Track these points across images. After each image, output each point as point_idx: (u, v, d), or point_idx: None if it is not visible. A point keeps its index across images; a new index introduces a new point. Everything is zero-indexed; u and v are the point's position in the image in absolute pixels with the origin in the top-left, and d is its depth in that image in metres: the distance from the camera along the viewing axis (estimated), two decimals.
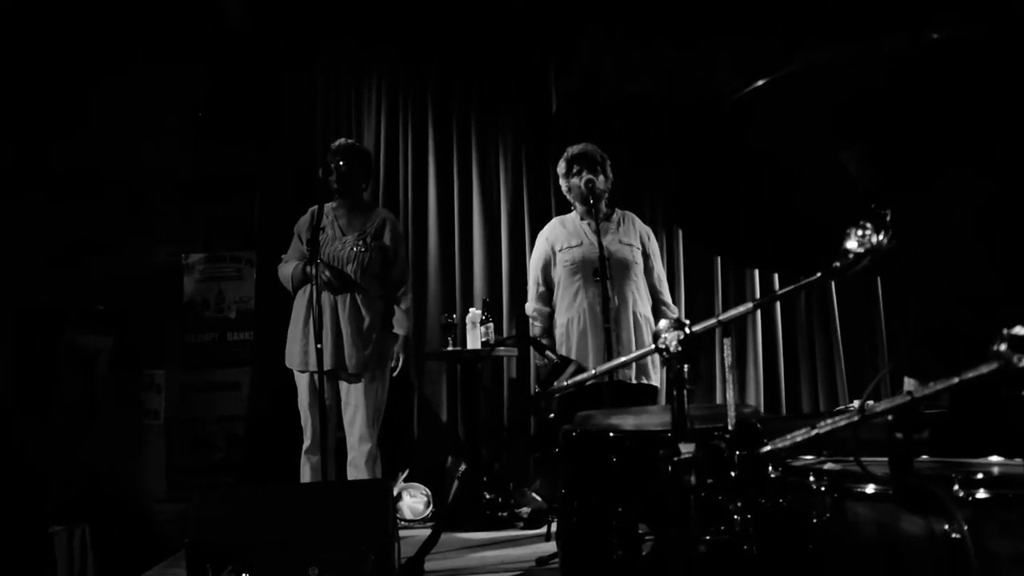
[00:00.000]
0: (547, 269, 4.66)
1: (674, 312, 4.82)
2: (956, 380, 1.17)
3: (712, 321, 1.52)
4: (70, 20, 5.87)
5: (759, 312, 5.82)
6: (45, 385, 5.83)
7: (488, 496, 5.15)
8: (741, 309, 1.54)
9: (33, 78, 5.95)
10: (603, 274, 4.12)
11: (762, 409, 5.68)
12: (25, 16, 5.78)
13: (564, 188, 4.68)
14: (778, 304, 5.96)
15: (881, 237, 1.40)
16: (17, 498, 4.79)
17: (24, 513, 4.69)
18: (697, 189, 1.68)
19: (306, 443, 4.50)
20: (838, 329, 6.02)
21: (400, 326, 4.62)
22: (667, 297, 4.77)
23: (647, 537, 1.74)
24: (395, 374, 4.66)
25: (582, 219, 4.65)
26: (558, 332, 4.57)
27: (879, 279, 5.79)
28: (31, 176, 5.96)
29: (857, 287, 6.01)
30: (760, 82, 1.33)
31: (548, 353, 3.43)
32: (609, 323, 4.10)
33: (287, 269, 4.62)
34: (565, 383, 1.85)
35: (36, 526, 4.59)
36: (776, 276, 6.04)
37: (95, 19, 5.92)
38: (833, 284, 5.79)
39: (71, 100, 6.07)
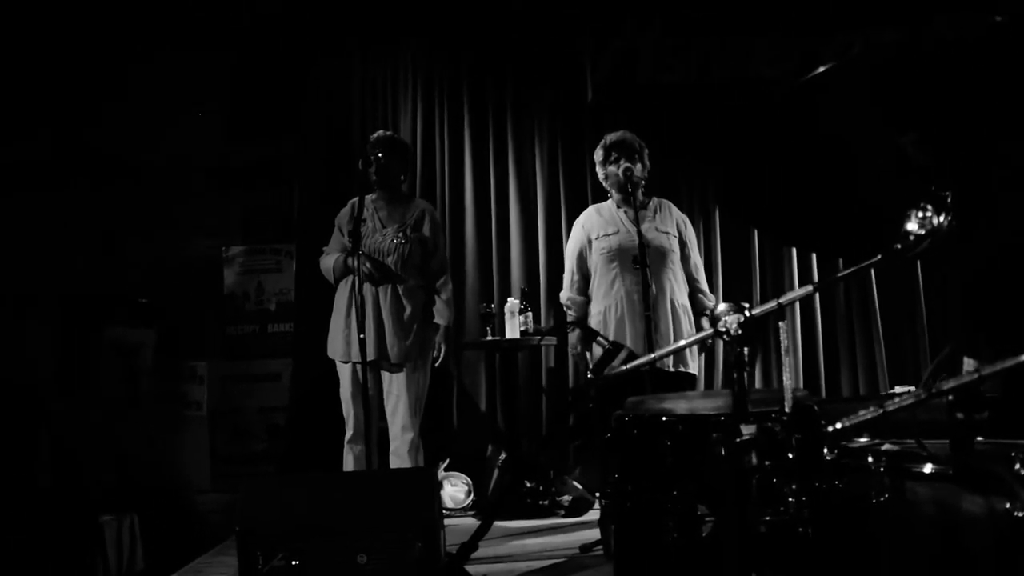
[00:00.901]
0: (582, 258, 4.67)
1: (711, 300, 4.80)
2: None
3: (772, 304, 1.53)
4: (105, 7, 5.93)
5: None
6: (89, 376, 5.92)
7: (529, 484, 5.17)
8: (801, 292, 1.55)
9: (68, 70, 6.01)
10: (643, 262, 4.12)
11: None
12: (59, 6, 5.84)
13: (601, 176, 4.68)
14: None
15: (942, 219, 1.41)
16: (67, 488, 4.88)
17: (74, 503, 4.78)
18: (749, 172, 1.68)
19: (348, 433, 4.53)
20: (877, 314, 5.99)
21: (441, 316, 4.64)
22: (704, 285, 4.76)
23: (707, 519, 1.76)
24: (437, 364, 4.69)
25: (618, 207, 4.65)
26: (594, 320, 4.57)
27: (919, 265, 5.76)
28: (72, 170, 6.04)
29: (897, 271, 5.98)
30: (821, 68, 1.33)
31: (600, 339, 3.43)
32: (649, 311, 4.10)
33: (328, 261, 4.65)
34: (622, 368, 1.87)
35: (86, 515, 4.68)
36: (815, 264, 6.02)
37: (130, 7, 5.97)
38: (872, 269, 5.75)
39: (108, 94, 6.14)
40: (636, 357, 1.92)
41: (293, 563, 3.12)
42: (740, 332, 1.47)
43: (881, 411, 1.34)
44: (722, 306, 1.50)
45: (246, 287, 6.30)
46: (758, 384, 5.93)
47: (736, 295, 5.95)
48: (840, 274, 1.58)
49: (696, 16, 6.09)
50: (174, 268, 6.22)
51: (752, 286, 6.06)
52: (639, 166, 4.51)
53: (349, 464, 4.51)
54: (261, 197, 6.36)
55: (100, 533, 4.69)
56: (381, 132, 4.80)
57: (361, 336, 4.14)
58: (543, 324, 5.89)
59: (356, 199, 4.46)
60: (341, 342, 4.53)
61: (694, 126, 6.02)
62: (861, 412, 1.37)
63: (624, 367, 1.84)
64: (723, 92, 6.00)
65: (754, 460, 1.46)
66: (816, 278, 6.07)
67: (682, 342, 1.55)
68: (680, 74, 6.12)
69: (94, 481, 5.23)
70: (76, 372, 5.88)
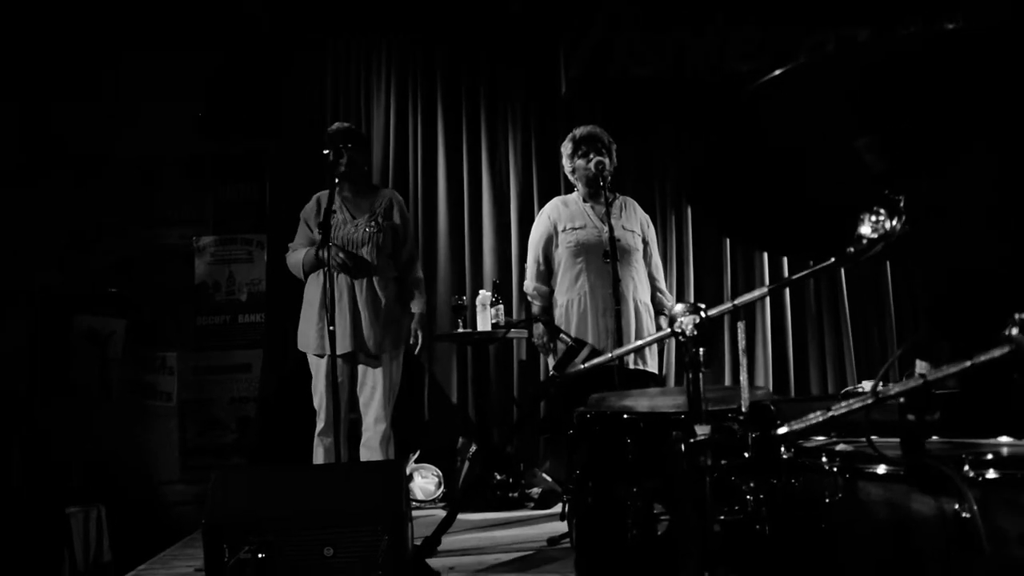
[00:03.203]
0: (548, 247, 4.68)
1: (670, 300, 4.86)
2: (968, 364, 1.19)
3: (728, 305, 1.54)
4: (81, 2, 5.89)
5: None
6: (59, 367, 5.88)
7: (499, 477, 5.18)
8: (755, 294, 1.57)
9: (39, 64, 5.97)
10: (614, 257, 4.14)
11: (771, 391, 5.71)
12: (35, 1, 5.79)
13: (568, 169, 4.69)
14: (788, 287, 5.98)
15: (895, 223, 1.42)
16: (34, 479, 4.85)
17: (41, 494, 4.75)
18: (713, 173, 1.69)
19: (319, 425, 4.52)
20: (847, 312, 6.04)
21: (416, 304, 4.65)
22: (663, 285, 4.81)
23: (663, 517, 1.77)
24: (416, 352, 4.69)
25: (585, 201, 4.66)
26: (557, 312, 4.60)
27: (888, 263, 5.81)
28: (43, 160, 5.99)
29: (866, 271, 6.03)
30: (778, 71, 1.34)
31: (563, 336, 3.45)
32: (620, 305, 4.12)
33: (297, 256, 4.62)
34: (581, 365, 1.87)
35: (53, 507, 4.65)
36: (785, 261, 6.06)
37: (105, 2, 5.93)
38: (842, 268, 5.79)
39: (83, 83, 6.09)
40: (598, 354, 1.93)
41: (259, 556, 3.11)
42: (696, 333, 1.48)
43: (829, 415, 1.36)
44: (679, 306, 1.51)
45: (217, 277, 6.26)
46: (727, 382, 5.96)
47: (708, 291, 6.00)
48: (793, 277, 1.59)
49: (670, 10, 6.10)
50: (145, 258, 6.18)
51: (723, 281, 6.09)
52: (607, 161, 4.52)
53: (319, 457, 4.50)
54: (234, 193, 6.32)
55: (67, 524, 4.66)
56: (341, 124, 4.78)
57: (331, 328, 4.12)
58: (515, 316, 5.89)
59: (322, 193, 4.45)
60: (315, 335, 4.51)
61: (667, 120, 6.05)
62: (810, 416, 1.39)
63: (584, 365, 1.84)
64: (697, 86, 6.02)
65: (710, 459, 1.47)
66: (787, 274, 6.11)
67: (639, 342, 1.56)
68: (654, 68, 6.12)
69: (65, 472, 5.19)
70: (48, 363, 5.84)
